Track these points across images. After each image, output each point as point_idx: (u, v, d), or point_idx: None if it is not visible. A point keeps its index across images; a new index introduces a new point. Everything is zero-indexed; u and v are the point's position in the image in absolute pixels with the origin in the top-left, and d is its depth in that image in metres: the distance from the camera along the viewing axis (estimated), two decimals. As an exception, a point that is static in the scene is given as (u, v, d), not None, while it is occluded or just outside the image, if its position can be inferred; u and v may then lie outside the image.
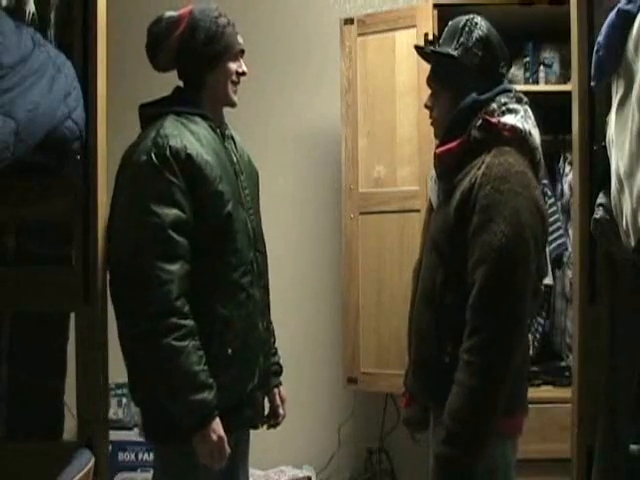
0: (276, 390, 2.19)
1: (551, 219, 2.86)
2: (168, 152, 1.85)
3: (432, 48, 2.00)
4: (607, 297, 1.95)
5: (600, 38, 1.68)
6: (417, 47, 2.05)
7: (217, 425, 1.83)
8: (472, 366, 1.72)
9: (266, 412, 2.15)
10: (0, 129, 1.53)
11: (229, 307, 1.91)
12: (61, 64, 1.82)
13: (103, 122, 2.00)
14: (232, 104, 2.06)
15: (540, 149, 1.92)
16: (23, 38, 1.67)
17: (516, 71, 3.12)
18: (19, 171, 1.80)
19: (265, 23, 3.47)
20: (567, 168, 3.01)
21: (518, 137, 1.86)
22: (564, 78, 3.05)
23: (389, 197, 3.03)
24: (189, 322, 1.82)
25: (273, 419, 2.19)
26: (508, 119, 1.86)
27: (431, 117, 2.00)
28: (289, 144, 3.54)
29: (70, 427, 2.15)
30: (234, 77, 2.02)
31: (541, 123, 1.96)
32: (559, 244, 2.94)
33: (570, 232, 2.86)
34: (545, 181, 2.85)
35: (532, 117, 1.92)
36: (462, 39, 1.91)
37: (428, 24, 2.91)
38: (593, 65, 1.74)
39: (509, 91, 1.93)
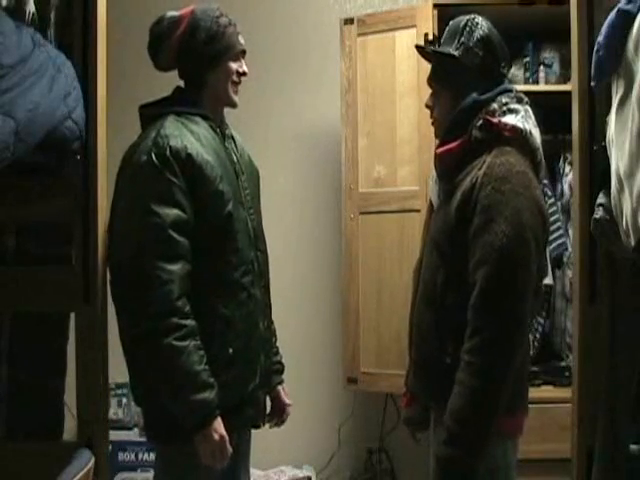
0: (280, 388, 2.19)
1: (551, 219, 2.85)
2: (168, 152, 1.85)
3: (433, 48, 2.00)
4: (607, 297, 1.95)
5: (600, 38, 1.68)
6: (418, 47, 2.05)
7: (219, 425, 1.83)
8: (473, 366, 1.72)
9: (267, 411, 2.14)
10: (0, 129, 1.53)
11: (230, 307, 1.91)
12: (61, 64, 1.82)
13: (103, 122, 2.00)
14: (233, 104, 2.06)
15: (541, 149, 1.92)
16: (23, 38, 1.67)
17: (516, 71, 3.11)
18: (19, 171, 1.81)
19: (265, 23, 3.47)
20: (567, 168, 3.00)
21: (519, 137, 1.86)
22: (564, 78, 3.05)
23: (389, 197, 3.03)
24: (190, 322, 1.82)
25: (278, 417, 2.19)
26: (509, 119, 1.86)
27: (432, 117, 2.00)
28: (289, 144, 3.54)
29: (70, 427, 2.15)
30: (235, 77, 2.02)
31: (541, 123, 1.95)
32: (559, 244, 2.94)
33: (570, 232, 2.86)
34: (545, 181, 2.85)
35: (533, 117, 1.92)
36: (463, 39, 1.91)
37: (428, 24, 2.91)
38: (593, 65, 1.74)
39: (510, 91, 1.92)
